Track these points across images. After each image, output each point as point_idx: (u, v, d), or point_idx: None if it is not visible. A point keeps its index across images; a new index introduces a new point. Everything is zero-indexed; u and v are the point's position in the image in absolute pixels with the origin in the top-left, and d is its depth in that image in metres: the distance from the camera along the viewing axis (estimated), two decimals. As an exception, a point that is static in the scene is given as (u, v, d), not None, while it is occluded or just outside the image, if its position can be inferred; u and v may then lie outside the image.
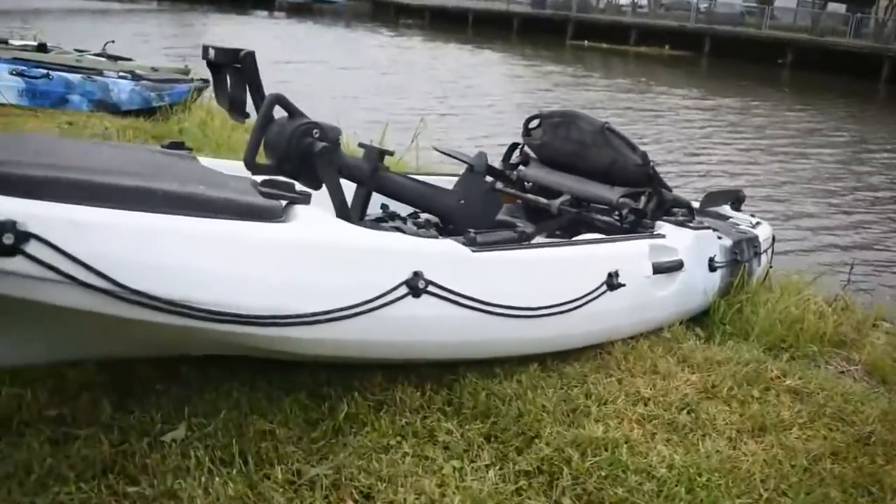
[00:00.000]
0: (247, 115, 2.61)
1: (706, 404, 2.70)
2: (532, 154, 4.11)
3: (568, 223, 3.84)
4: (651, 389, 2.72)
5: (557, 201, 3.72)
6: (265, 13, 42.28)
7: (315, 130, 2.37)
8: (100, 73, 8.18)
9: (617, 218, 3.59)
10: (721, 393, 2.82)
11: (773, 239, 4.80)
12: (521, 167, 4.07)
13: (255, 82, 2.50)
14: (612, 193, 3.67)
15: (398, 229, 2.77)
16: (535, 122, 3.93)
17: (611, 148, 3.66)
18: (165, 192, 1.75)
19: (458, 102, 15.58)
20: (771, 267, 4.66)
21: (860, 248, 8.00)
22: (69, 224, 1.58)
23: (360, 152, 2.97)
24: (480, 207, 3.24)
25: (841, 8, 46.12)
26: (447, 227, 3.16)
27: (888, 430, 2.74)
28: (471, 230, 3.02)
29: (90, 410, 2.02)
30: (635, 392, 2.69)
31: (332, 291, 1.94)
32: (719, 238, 3.81)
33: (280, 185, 2.05)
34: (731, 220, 4.73)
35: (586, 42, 36.40)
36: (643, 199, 3.63)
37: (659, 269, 3.14)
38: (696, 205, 4.69)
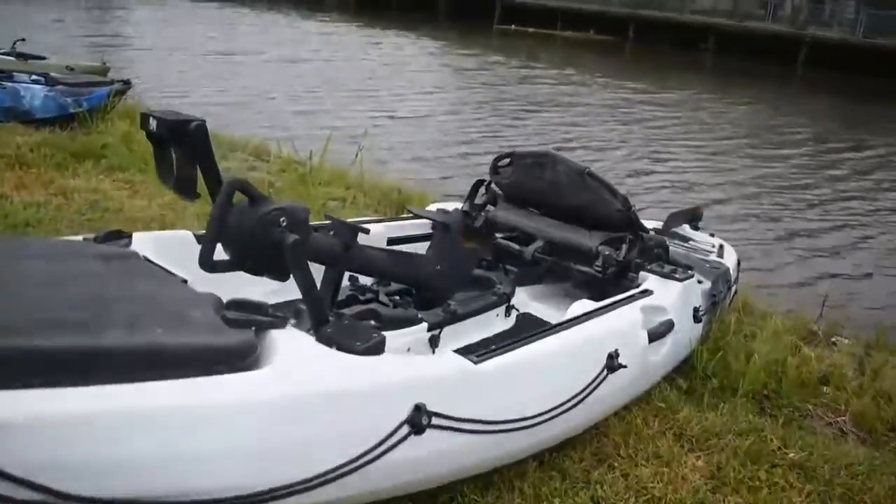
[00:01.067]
0: (197, 195, 2.22)
1: (717, 497, 2.49)
2: (499, 191, 3.82)
3: (545, 271, 3.59)
4: (659, 483, 2.49)
5: (531, 248, 3.45)
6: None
7: (282, 218, 2.01)
8: (9, 76, 7.48)
9: (598, 269, 3.33)
10: (728, 478, 2.61)
11: (739, 263, 4.67)
12: (488, 207, 3.77)
13: (207, 158, 2.11)
14: (591, 240, 3.42)
15: (374, 313, 2.45)
16: (505, 161, 3.64)
17: (590, 192, 3.40)
18: (113, 351, 1.38)
19: (404, 102, 14.75)
20: (736, 292, 4.54)
21: (821, 256, 7.93)
22: None
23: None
24: (458, 269, 2.96)
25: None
26: (422, 294, 2.86)
27: (900, 512, 2.60)
28: (450, 302, 2.73)
29: None
30: (643, 489, 2.45)
31: (323, 450, 1.62)
32: (699, 283, 3.61)
33: (249, 307, 1.70)
34: (693, 241, 4.57)
35: (513, 26, 36.29)
36: (624, 246, 3.39)
37: (654, 337, 2.91)
38: (655, 224, 4.53)
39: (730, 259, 4.38)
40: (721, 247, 4.56)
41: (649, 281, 3.23)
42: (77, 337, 1.37)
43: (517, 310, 3.19)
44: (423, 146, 10.82)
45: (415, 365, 1.86)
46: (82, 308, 1.53)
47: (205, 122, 2.09)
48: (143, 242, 2.26)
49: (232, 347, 1.55)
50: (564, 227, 3.51)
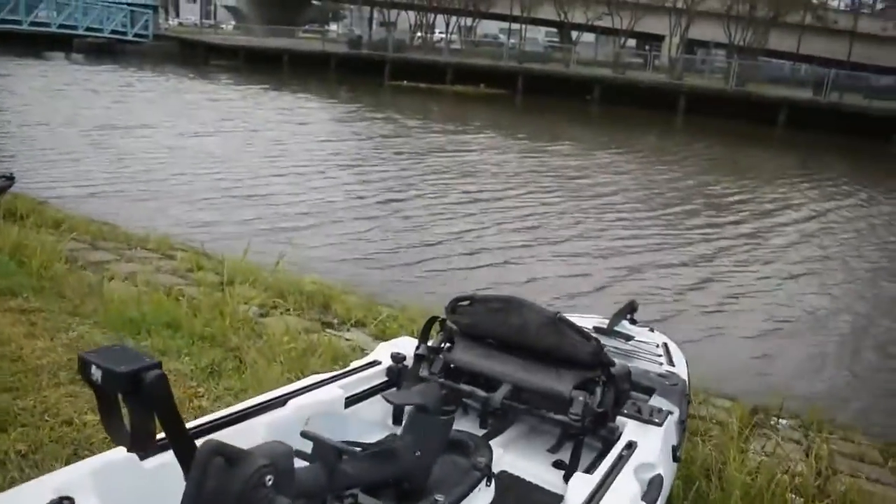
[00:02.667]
0: (154, 447, 1.84)
1: None
2: (454, 328, 3.56)
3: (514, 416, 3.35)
4: None
5: (499, 395, 3.19)
6: (62, 55, 39.02)
7: (268, 477, 1.67)
8: None
9: (575, 419, 3.10)
10: None
11: (687, 364, 4.59)
12: (445, 347, 3.50)
13: (169, 410, 1.73)
14: (561, 382, 3.19)
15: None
16: (464, 303, 3.39)
17: (559, 335, 3.19)
18: None
19: (319, 184, 13.49)
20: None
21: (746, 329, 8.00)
22: None
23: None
24: (436, 447, 2.67)
25: (632, 42, 50.00)
26: (402, 486, 2.55)
27: None
28: (437, 497, 2.44)
29: None
30: None
31: None
32: (671, 414, 3.45)
33: None
34: (636, 340, 4.46)
35: (405, 82, 36.71)
36: (598, 390, 3.19)
37: (649, 503, 2.69)
38: (597, 321, 4.40)
39: (680, 364, 4.27)
40: (666, 346, 4.46)
41: (629, 429, 3.03)
42: None
43: (494, 474, 2.93)
44: (343, 232, 10.14)
45: None
46: None
47: (162, 368, 1.71)
48: (84, 494, 1.86)
49: None
50: (531, 368, 3.28)
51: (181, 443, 1.74)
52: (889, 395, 6.65)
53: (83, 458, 3.14)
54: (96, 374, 1.66)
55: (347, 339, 5.32)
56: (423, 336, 3.52)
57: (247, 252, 6.10)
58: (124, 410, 1.76)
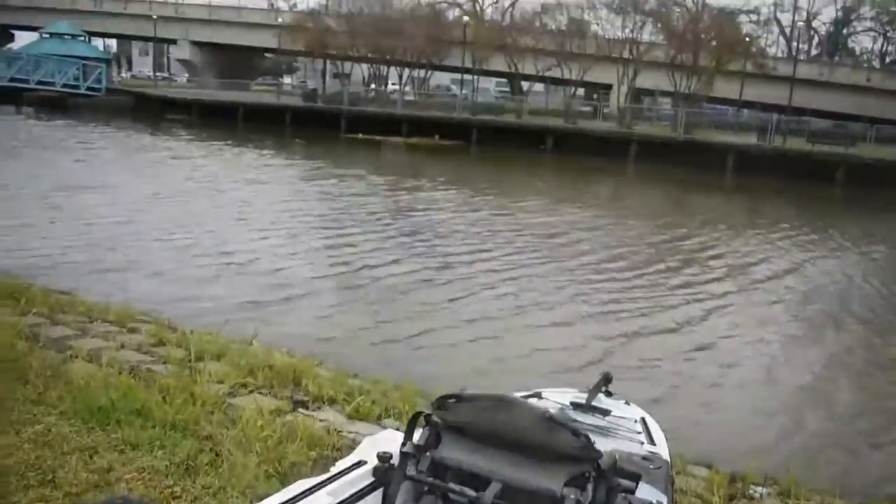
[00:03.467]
0: None
1: None
2: (441, 423, 3.51)
3: None
4: None
5: (489, 495, 3.15)
6: (12, 109, 38.45)
7: None
8: None
9: (566, 516, 3.08)
10: None
11: (666, 439, 4.59)
12: (431, 443, 3.45)
13: None
14: (552, 481, 3.16)
15: None
16: (452, 400, 3.35)
17: (549, 432, 3.18)
18: None
19: (292, 252, 13.09)
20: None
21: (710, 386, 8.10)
22: None
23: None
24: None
25: (581, 91, 51.21)
26: None
27: None
28: None
29: None
30: None
31: None
32: (659, 504, 3.44)
33: None
34: (614, 415, 4.44)
35: (360, 134, 36.90)
36: (590, 486, 3.17)
37: None
38: (574, 396, 4.39)
39: (660, 441, 4.26)
40: (644, 421, 4.45)
41: (624, 529, 3.01)
42: None
43: (490, 580, 2.87)
44: (320, 304, 9.77)
45: None
46: None
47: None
48: None
49: None
50: (520, 465, 3.25)
51: None
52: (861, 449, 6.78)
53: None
54: None
55: (322, 420, 5.20)
56: (409, 432, 3.45)
57: (222, 328, 5.98)
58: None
